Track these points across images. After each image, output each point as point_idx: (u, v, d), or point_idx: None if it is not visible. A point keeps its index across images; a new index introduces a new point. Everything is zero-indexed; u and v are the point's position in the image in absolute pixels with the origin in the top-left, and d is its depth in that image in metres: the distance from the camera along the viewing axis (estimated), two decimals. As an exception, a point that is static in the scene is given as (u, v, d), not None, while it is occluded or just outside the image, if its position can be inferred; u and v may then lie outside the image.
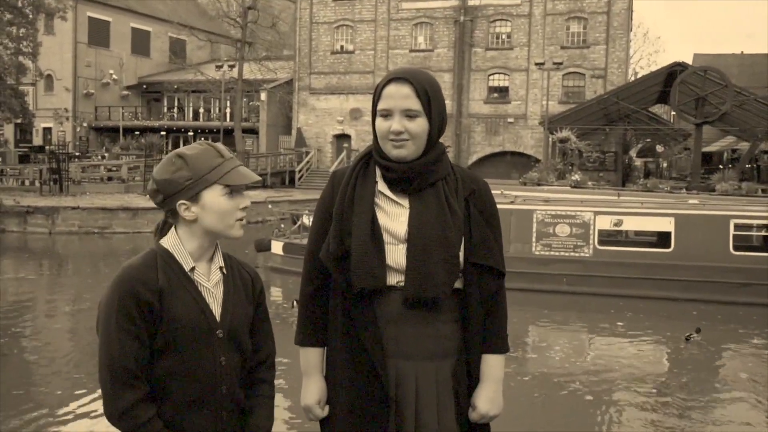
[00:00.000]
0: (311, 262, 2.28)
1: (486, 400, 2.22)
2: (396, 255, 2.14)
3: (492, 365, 2.24)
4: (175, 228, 2.03)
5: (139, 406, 1.86)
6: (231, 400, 2.02)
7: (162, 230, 2.08)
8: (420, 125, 2.13)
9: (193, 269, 2.00)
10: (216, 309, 2.01)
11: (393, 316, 2.14)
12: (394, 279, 2.14)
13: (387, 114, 2.14)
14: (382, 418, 2.13)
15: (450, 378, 2.18)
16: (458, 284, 2.18)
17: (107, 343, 1.87)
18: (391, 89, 2.14)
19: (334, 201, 2.23)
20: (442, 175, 2.19)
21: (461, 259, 2.17)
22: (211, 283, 2.03)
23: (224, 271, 2.07)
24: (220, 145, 2.05)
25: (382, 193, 2.20)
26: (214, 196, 1.97)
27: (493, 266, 2.19)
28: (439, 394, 2.16)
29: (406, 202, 2.18)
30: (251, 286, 2.15)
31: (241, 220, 2.04)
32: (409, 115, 2.12)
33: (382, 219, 2.17)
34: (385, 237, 2.15)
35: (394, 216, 2.18)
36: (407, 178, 2.16)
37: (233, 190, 2.00)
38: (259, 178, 2.11)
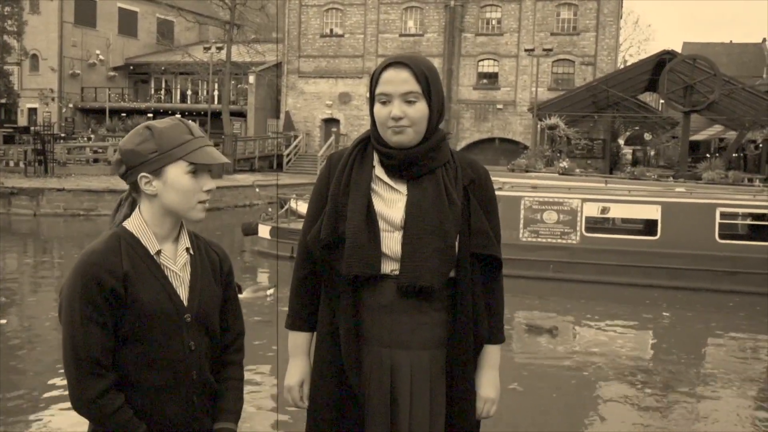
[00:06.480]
0: (304, 247, 2.24)
1: (487, 385, 2.26)
2: (391, 242, 2.10)
3: (489, 354, 2.27)
4: (139, 208, 1.95)
5: (107, 395, 1.81)
6: (202, 384, 1.98)
7: (122, 208, 1.99)
8: (420, 110, 2.08)
9: (159, 252, 1.92)
10: (183, 293, 1.94)
11: (387, 304, 2.10)
12: (388, 267, 2.10)
13: (386, 100, 2.08)
14: (355, 412, 2.13)
15: (443, 367, 2.16)
16: (452, 273, 2.14)
17: (71, 332, 1.81)
18: (390, 74, 2.08)
19: (330, 185, 2.18)
20: (441, 162, 2.14)
21: (456, 248, 2.12)
22: (177, 266, 1.96)
23: (191, 252, 2.00)
24: (191, 123, 1.99)
25: (379, 179, 2.16)
26: (177, 173, 1.89)
27: (492, 254, 2.17)
28: (432, 382, 2.14)
29: (404, 189, 2.13)
30: (219, 266, 2.08)
31: (203, 203, 1.95)
32: (409, 100, 2.06)
33: (378, 205, 2.12)
34: (381, 224, 2.10)
35: (390, 202, 2.13)
36: (406, 165, 2.11)
37: (198, 170, 1.92)
38: (228, 161, 2.01)
